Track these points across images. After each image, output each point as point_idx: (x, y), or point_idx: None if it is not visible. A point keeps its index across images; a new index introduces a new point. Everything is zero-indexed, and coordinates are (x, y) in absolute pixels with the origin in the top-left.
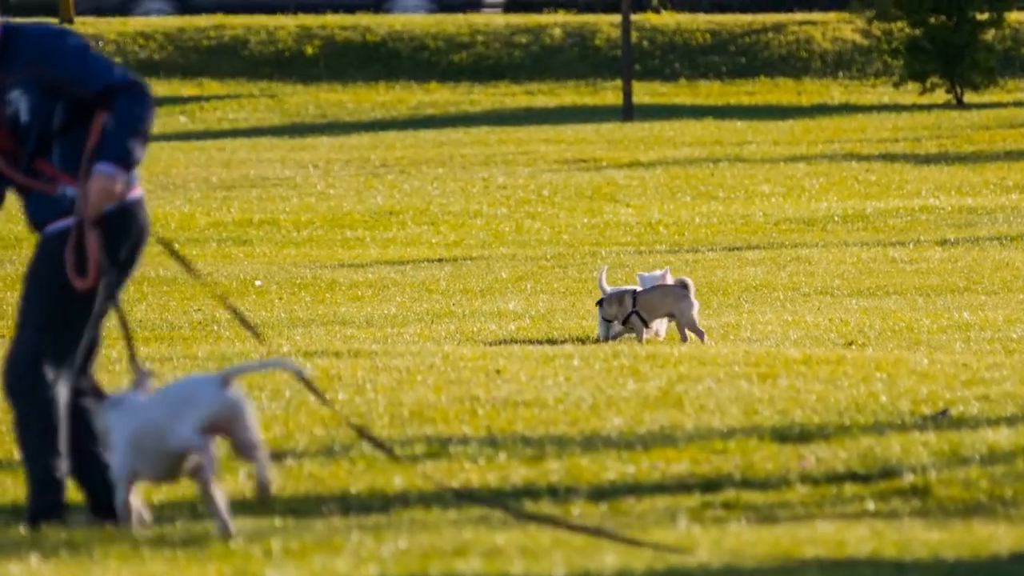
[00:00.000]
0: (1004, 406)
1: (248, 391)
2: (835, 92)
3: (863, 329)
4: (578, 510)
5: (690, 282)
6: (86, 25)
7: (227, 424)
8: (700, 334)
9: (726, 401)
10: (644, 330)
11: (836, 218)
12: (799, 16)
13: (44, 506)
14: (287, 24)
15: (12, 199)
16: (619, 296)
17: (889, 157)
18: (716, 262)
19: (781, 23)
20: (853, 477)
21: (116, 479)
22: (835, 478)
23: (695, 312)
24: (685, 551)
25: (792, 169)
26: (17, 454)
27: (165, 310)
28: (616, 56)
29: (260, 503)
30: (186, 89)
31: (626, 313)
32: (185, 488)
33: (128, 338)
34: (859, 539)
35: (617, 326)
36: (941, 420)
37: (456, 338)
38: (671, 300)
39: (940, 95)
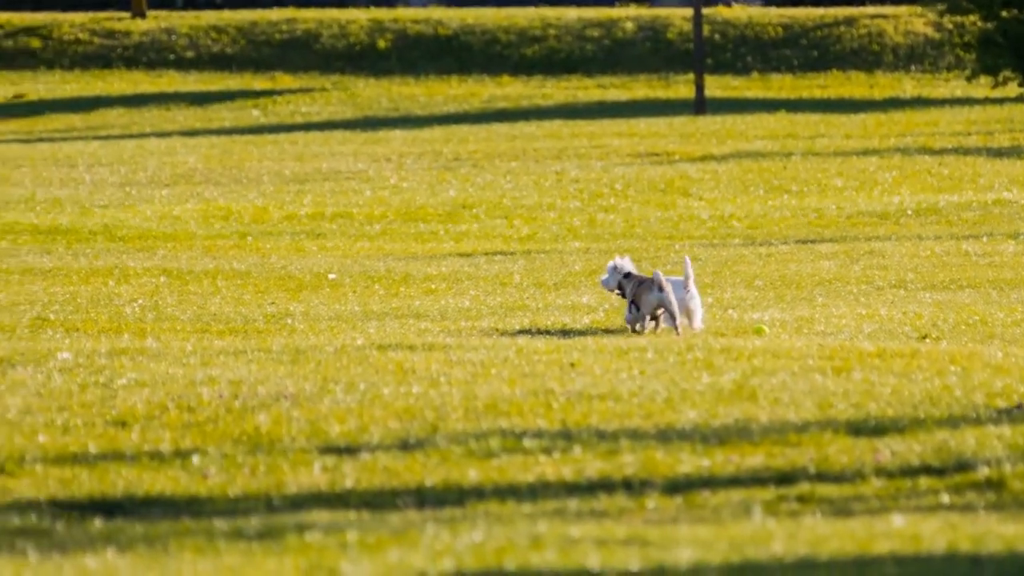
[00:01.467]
0: None
1: (323, 384)
2: (907, 85)
3: (937, 322)
4: (653, 503)
5: (659, 274)
6: (159, 19)
7: None
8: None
9: (800, 394)
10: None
11: (909, 211)
12: (871, 10)
13: None
14: (359, 18)
15: (82, 192)
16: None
17: (962, 151)
18: (789, 255)
19: (853, 17)
20: (928, 470)
21: None
22: (910, 471)
23: (653, 308)
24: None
25: (865, 162)
26: (93, 447)
27: (239, 303)
28: (688, 50)
29: None
30: (259, 83)
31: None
32: (260, 481)
33: None
34: (934, 532)
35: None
36: (1016, 413)
37: (530, 331)
38: (641, 293)
39: (1013, 88)
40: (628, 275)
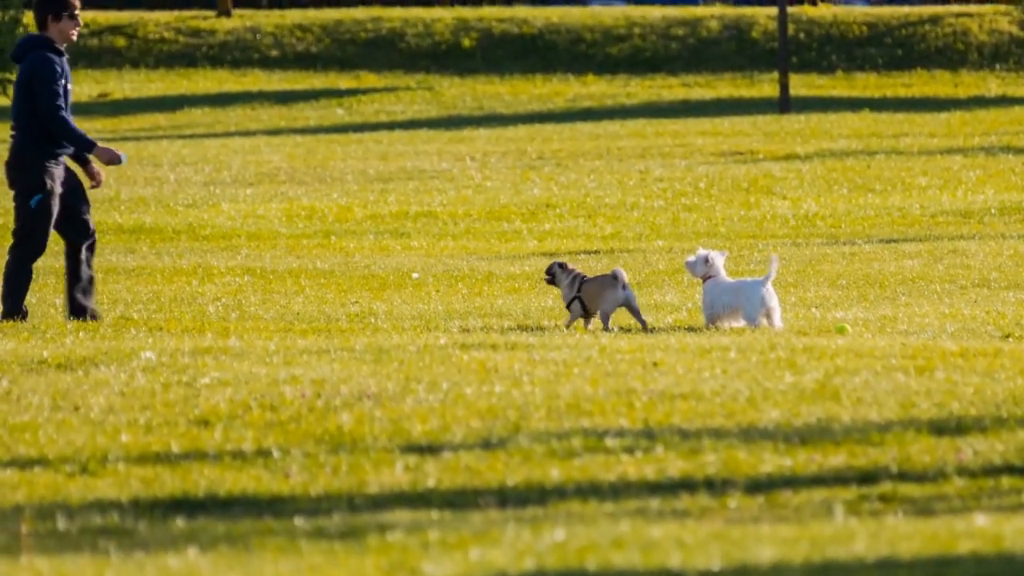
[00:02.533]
0: None
1: (406, 383)
2: (992, 84)
3: (1020, 321)
4: (735, 503)
5: (620, 273)
6: (244, 18)
7: None
8: (642, 322)
9: (883, 394)
10: (581, 318)
11: (993, 210)
12: (956, 8)
13: None
14: (444, 16)
15: (166, 191)
16: (571, 279)
17: None
18: (872, 254)
19: (938, 15)
20: (1011, 470)
21: None
22: (992, 471)
23: (617, 305)
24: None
25: (949, 161)
26: (176, 446)
27: (323, 302)
28: (773, 48)
29: None
30: (343, 82)
31: (570, 298)
32: (343, 480)
33: None
34: (1016, 532)
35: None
36: None
37: (613, 330)
38: (603, 290)
39: None
40: (563, 267)
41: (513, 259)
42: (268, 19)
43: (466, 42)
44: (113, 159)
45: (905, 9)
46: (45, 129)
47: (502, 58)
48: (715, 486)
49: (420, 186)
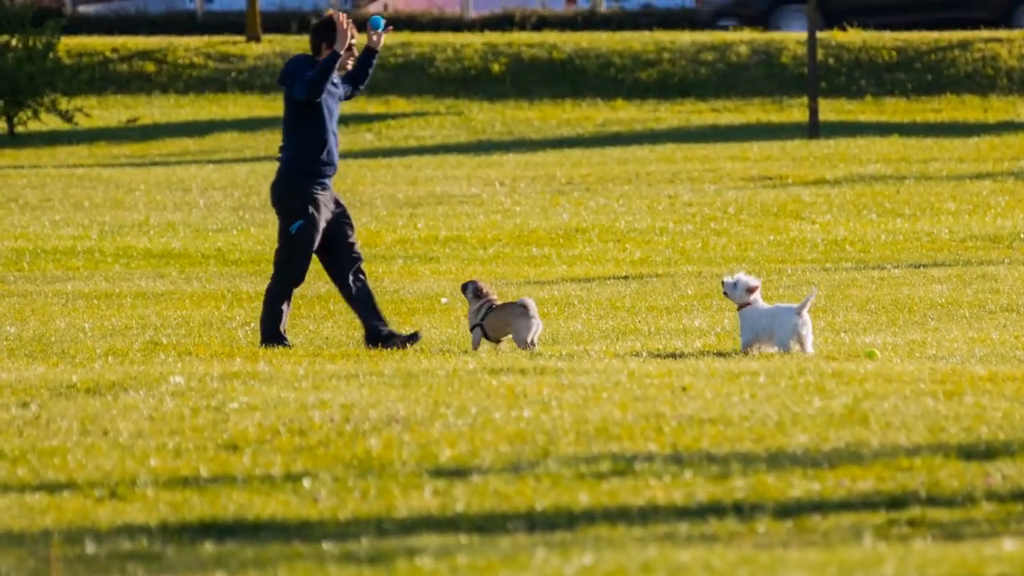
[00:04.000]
0: None
1: (434, 408)
2: (1022, 109)
3: None
4: (763, 527)
5: (530, 302)
6: (273, 43)
7: None
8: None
9: (911, 418)
10: (481, 343)
11: (1022, 235)
12: (985, 33)
13: None
14: (473, 42)
15: (195, 216)
16: (479, 305)
17: None
18: (901, 279)
19: (967, 40)
20: None
21: None
22: (1021, 495)
23: (531, 334)
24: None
25: (978, 186)
26: (204, 471)
27: (352, 327)
28: (802, 73)
29: None
30: (373, 107)
31: (473, 323)
32: (371, 505)
33: None
34: None
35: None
36: None
37: (642, 355)
38: (512, 319)
39: None
40: (478, 290)
41: (542, 284)
42: (298, 44)
43: (495, 67)
44: (343, 38)
45: (935, 34)
46: (316, 151)
47: (531, 83)
48: (743, 511)
49: (449, 211)
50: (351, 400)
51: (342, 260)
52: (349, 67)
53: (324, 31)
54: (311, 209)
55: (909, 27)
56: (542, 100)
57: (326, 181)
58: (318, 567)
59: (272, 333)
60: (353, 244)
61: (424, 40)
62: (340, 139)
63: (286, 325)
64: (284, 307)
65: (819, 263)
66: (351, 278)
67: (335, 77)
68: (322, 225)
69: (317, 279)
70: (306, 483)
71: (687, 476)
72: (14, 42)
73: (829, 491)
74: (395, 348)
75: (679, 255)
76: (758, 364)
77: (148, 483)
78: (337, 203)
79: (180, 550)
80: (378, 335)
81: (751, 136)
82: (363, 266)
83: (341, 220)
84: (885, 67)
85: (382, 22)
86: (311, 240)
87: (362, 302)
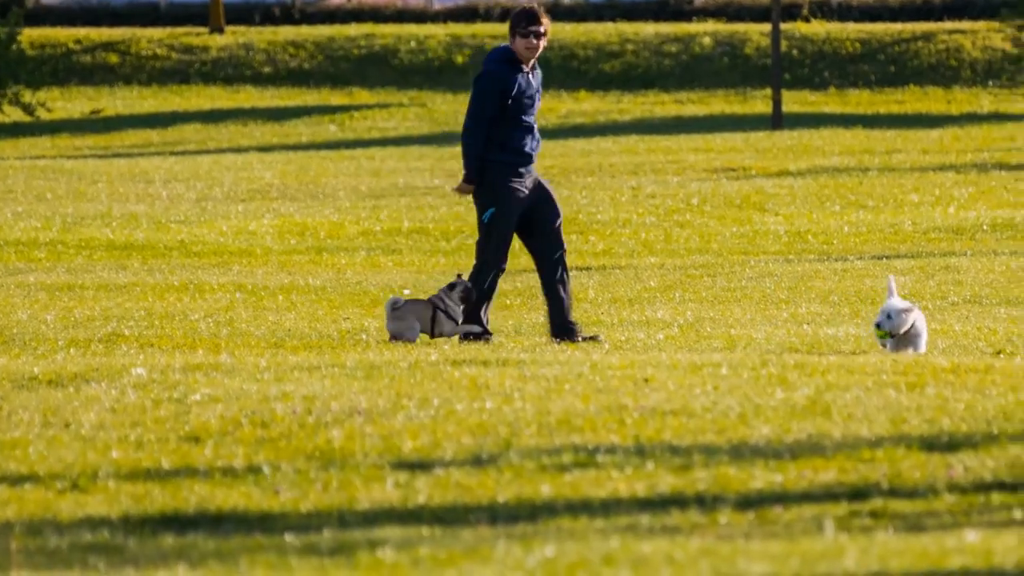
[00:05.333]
0: None
1: (397, 399)
2: (985, 101)
3: (1011, 338)
4: (725, 519)
5: (396, 299)
6: (236, 35)
7: None
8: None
9: (874, 410)
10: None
11: (985, 227)
12: (949, 25)
13: None
14: (437, 33)
15: (158, 208)
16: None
17: None
18: (864, 271)
19: (931, 32)
20: (1001, 486)
21: None
22: (983, 487)
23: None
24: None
25: (941, 178)
26: (166, 463)
27: (314, 319)
28: (766, 65)
29: None
30: (336, 98)
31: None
32: (333, 496)
33: None
34: (1007, 548)
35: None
36: None
37: (604, 347)
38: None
39: None
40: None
41: (505, 275)
42: (261, 36)
43: (459, 59)
44: (463, 191)
45: (898, 26)
46: (505, 142)
47: None
48: (705, 502)
49: (412, 202)
50: (313, 392)
51: (544, 245)
52: (528, 52)
53: (513, 18)
54: (503, 198)
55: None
56: None
57: (519, 170)
58: (280, 559)
59: (471, 315)
60: (558, 231)
61: (388, 31)
62: (304, 130)
63: (488, 316)
64: (486, 294)
65: (782, 254)
66: (555, 267)
67: (532, 86)
68: (515, 211)
69: (279, 271)
70: (268, 475)
71: (649, 468)
72: None
73: (791, 482)
74: (573, 342)
75: (642, 247)
76: (720, 356)
77: (110, 475)
78: (541, 188)
79: (142, 542)
80: (563, 330)
81: (714, 127)
82: (566, 256)
83: (544, 206)
84: (849, 59)
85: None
86: (502, 228)
87: (553, 296)
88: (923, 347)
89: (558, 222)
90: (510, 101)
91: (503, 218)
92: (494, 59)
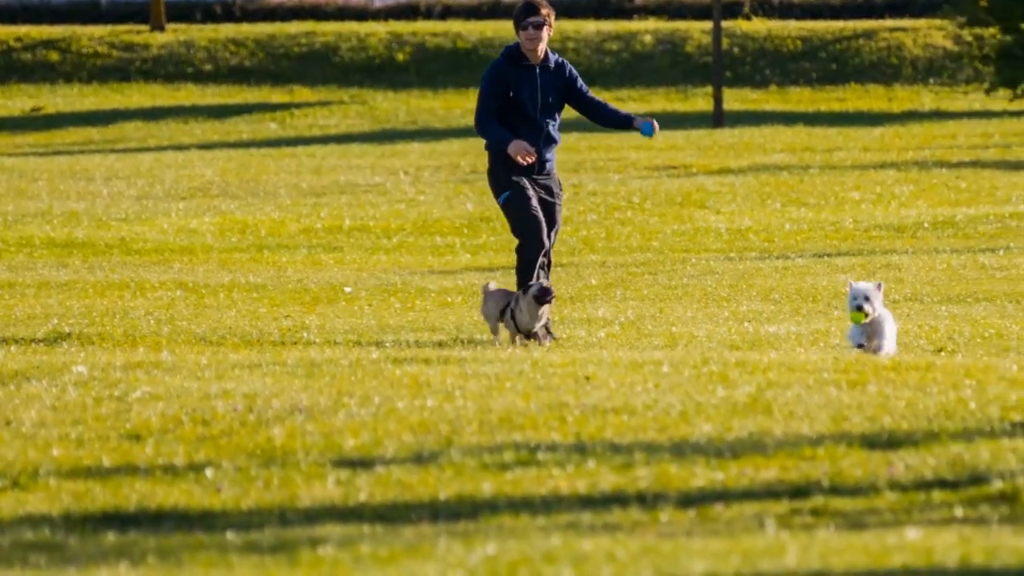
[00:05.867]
0: None
1: (338, 397)
2: (926, 98)
3: (952, 336)
4: (666, 517)
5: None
6: (177, 32)
7: None
8: None
9: (815, 407)
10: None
11: (926, 225)
12: (890, 23)
13: None
14: (378, 31)
15: (99, 205)
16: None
17: (979, 164)
18: (806, 269)
19: (872, 30)
20: (942, 484)
21: None
22: (924, 485)
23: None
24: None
25: (882, 176)
26: (107, 460)
27: (255, 317)
28: (707, 62)
29: None
30: (277, 96)
31: None
32: (274, 494)
33: None
34: (947, 546)
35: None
36: None
37: (545, 344)
38: None
39: None
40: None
41: (446, 273)
42: (202, 33)
43: (400, 56)
44: (520, 151)
45: (839, 23)
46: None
47: (436, 72)
48: (647, 500)
49: (353, 200)
50: (254, 390)
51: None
52: (530, 47)
53: (515, 14)
54: (513, 180)
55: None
56: (446, 89)
57: (527, 168)
58: (221, 557)
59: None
60: (550, 243)
61: (328, 29)
62: (245, 128)
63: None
64: (527, 276)
65: (723, 252)
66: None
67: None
68: (533, 194)
69: (220, 269)
70: (209, 473)
71: (590, 465)
72: None
73: (732, 480)
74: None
75: (583, 244)
76: (662, 354)
77: (51, 473)
78: (549, 205)
79: (82, 540)
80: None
81: None
82: (549, 269)
83: (555, 214)
84: (790, 56)
85: (652, 130)
86: (522, 205)
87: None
88: (893, 345)
89: (552, 237)
90: (512, 96)
91: (517, 197)
92: (502, 55)
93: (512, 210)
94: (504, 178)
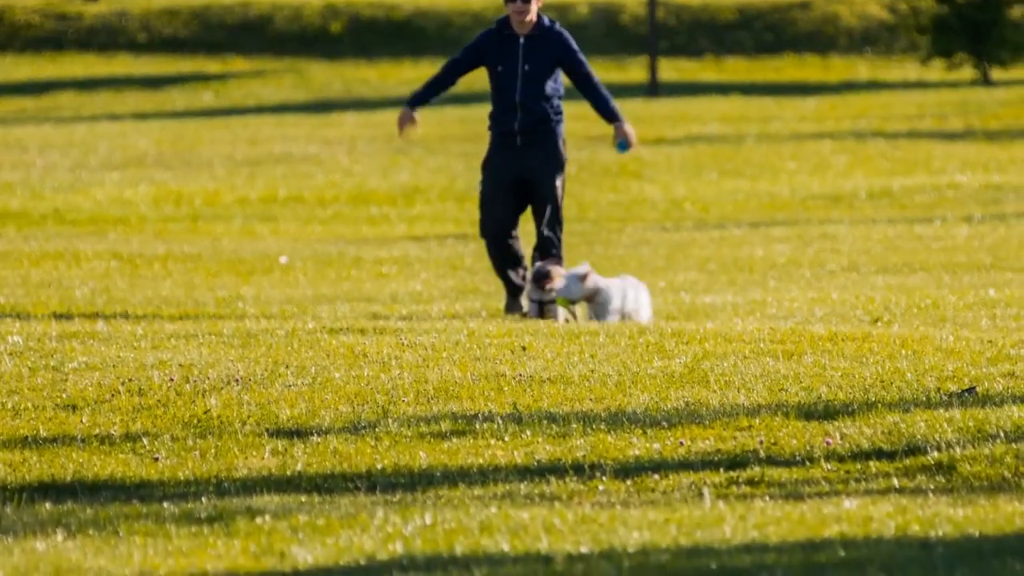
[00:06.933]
0: None
1: (274, 367)
2: (862, 69)
3: (889, 306)
4: (603, 486)
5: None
6: (111, 2)
7: None
8: None
9: (751, 378)
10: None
11: (862, 195)
12: None
13: None
14: (312, 2)
15: (33, 175)
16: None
17: (915, 134)
18: (742, 239)
19: (808, 0)
20: (878, 454)
21: None
22: (860, 455)
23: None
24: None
25: (818, 146)
26: (43, 431)
27: (190, 287)
28: (642, 33)
29: None
30: (211, 66)
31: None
32: (211, 464)
33: None
34: (884, 516)
35: None
36: (966, 397)
37: (481, 315)
38: None
39: (967, 72)
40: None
41: (382, 243)
42: (136, 3)
43: (335, 27)
44: (399, 120)
45: None
46: (492, 112)
47: (371, 43)
48: (584, 470)
49: (288, 170)
50: (190, 360)
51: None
52: (517, 19)
53: None
54: (485, 162)
55: None
56: (381, 60)
57: (503, 142)
58: (158, 527)
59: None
60: (540, 220)
61: (263, 0)
62: (179, 98)
63: (517, 280)
64: (498, 260)
65: (659, 222)
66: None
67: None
68: (497, 177)
69: (155, 239)
70: (145, 443)
71: (527, 435)
72: None
73: (669, 450)
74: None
75: None
76: (598, 325)
77: None
78: (533, 172)
79: (18, 510)
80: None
81: None
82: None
83: (539, 190)
84: (725, 26)
85: (626, 149)
86: (484, 193)
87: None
88: (644, 317)
89: (543, 214)
90: (489, 66)
91: (484, 183)
92: (495, 22)
93: (481, 193)
94: (487, 151)
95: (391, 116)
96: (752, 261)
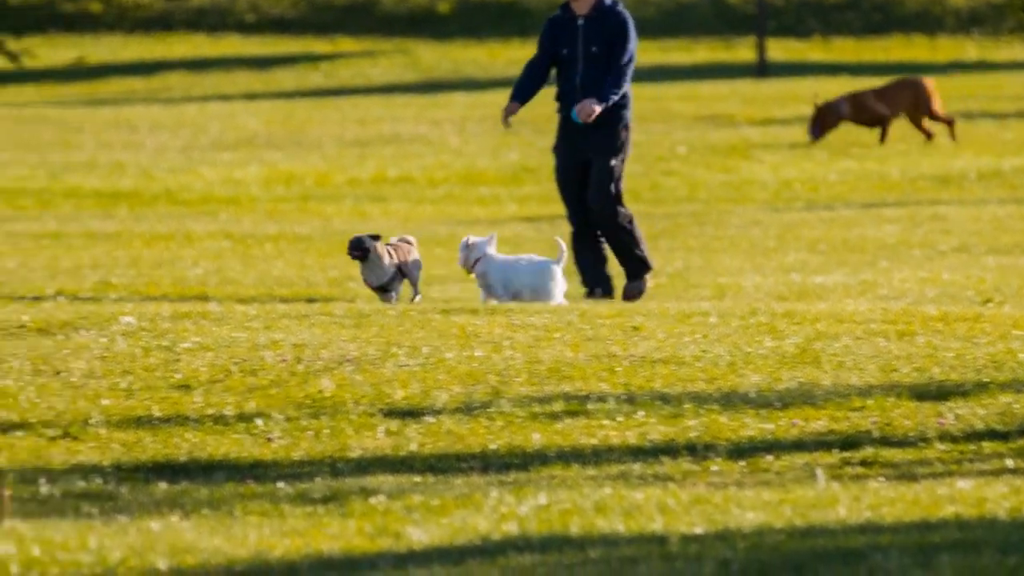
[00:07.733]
0: None
1: (386, 348)
2: (969, 49)
3: (1000, 287)
4: (717, 467)
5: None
6: None
7: None
8: None
9: (864, 359)
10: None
11: (972, 175)
12: None
13: None
14: None
15: (144, 156)
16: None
17: None
18: (852, 220)
19: None
20: (992, 434)
21: None
22: (974, 435)
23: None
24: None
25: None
26: (157, 411)
27: (302, 267)
28: (751, 13)
29: None
30: (320, 46)
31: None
32: (324, 445)
33: None
34: (998, 496)
35: None
36: None
37: (595, 292)
38: None
39: None
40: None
41: (492, 223)
42: None
43: (443, 7)
44: (503, 112)
45: None
46: (557, 95)
47: (479, 23)
48: (697, 451)
49: (398, 151)
50: (303, 340)
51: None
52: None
53: None
54: (555, 147)
55: None
56: (489, 39)
57: (568, 123)
58: (273, 506)
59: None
60: (588, 194)
61: None
62: (288, 79)
63: (595, 269)
64: (578, 244)
65: (769, 203)
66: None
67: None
68: (565, 162)
69: (266, 220)
70: (259, 423)
71: (640, 416)
72: None
73: (782, 431)
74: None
75: (628, 195)
76: (709, 304)
77: (101, 423)
78: (598, 152)
79: (134, 490)
80: (590, 292)
81: (699, 76)
82: (589, 228)
83: (592, 171)
84: (833, 6)
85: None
86: (557, 179)
87: (584, 262)
88: (554, 299)
89: (591, 189)
90: (560, 52)
91: (556, 169)
92: (560, 6)
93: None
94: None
95: (500, 96)
96: (862, 242)
